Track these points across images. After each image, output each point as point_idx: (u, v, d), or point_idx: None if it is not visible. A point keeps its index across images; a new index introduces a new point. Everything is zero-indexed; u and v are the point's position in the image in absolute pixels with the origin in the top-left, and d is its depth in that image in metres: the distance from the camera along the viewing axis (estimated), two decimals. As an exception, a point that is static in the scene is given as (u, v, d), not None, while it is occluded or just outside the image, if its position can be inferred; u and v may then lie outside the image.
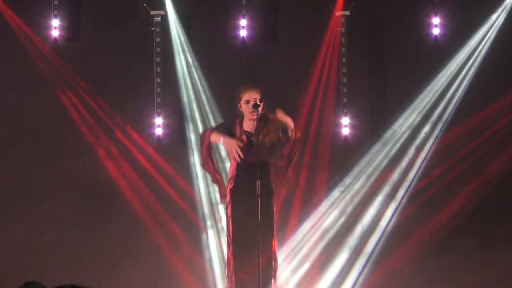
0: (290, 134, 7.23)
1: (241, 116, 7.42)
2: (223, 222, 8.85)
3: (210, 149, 7.44)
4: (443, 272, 9.00)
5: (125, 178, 9.03)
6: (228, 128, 7.32)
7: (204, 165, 7.47)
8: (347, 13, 9.25)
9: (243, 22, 9.23)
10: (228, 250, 7.27)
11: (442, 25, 9.29)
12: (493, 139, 9.27)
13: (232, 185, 7.28)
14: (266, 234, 7.13)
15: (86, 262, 8.86)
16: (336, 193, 9.19)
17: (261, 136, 7.17)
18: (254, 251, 6.95)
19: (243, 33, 9.24)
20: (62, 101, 9.04)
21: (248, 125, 7.33)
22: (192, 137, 9.15)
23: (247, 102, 7.27)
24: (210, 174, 7.50)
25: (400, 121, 9.30)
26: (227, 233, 7.32)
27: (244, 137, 7.29)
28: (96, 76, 9.12)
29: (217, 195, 7.67)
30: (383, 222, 9.15)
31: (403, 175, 9.23)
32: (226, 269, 7.32)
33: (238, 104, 7.36)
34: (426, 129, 9.30)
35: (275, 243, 7.31)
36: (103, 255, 8.86)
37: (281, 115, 7.23)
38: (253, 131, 7.24)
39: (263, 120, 7.24)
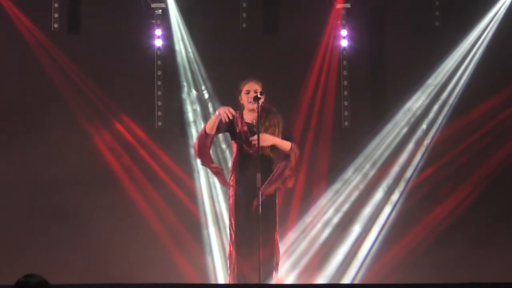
0: (291, 161, 7.26)
1: (241, 109, 7.45)
2: (224, 214, 8.90)
3: (205, 139, 7.36)
4: (444, 264, 9.01)
5: (124, 170, 9.03)
6: (229, 122, 7.32)
7: (199, 154, 7.39)
8: (348, 5, 9.24)
9: (244, 14, 9.22)
10: (230, 242, 7.29)
11: (443, 17, 9.28)
12: (492, 132, 9.28)
13: (234, 177, 7.30)
14: (268, 226, 7.16)
15: (85, 254, 8.87)
16: (337, 185, 9.19)
17: (262, 129, 7.21)
18: (256, 243, 6.97)
19: (243, 25, 9.23)
20: (62, 93, 9.04)
21: (249, 117, 7.35)
22: (193, 130, 9.15)
23: (248, 92, 7.32)
24: (205, 162, 7.45)
25: (400, 114, 9.31)
26: (229, 225, 7.34)
27: (246, 128, 7.31)
28: (96, 69, 9.11)
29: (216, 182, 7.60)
30: (384, 215, 9.16)
31: (404, 168, 9.24)
32: (228, 261, 7.33)
33: (239, 96, 7.41)
34: (426, 122, 9.33)
35: (277, 235, 7.33)
36: (102, 248, 8.88)
37: (278, 142, 7.25)
38: (254, 123, 7.26)
39: (265, 113, 7.28)
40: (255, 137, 7.13)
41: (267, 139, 7.16)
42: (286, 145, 7.26)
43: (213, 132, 7.26)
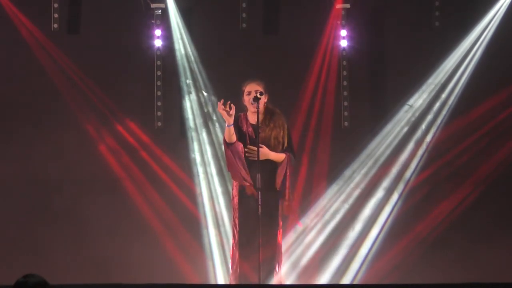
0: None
1: (244, 110, 7.46)
2: (224, 214, 8.90)
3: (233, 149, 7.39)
4: (444, 264, 9.01)
5: (124, 170, 9.03)
6: (234, 124, 7.33)
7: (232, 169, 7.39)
8: (348, 6, 9.24)
9: (244, 14, 9.22)
10: (234, 242, 7.30)
11: (443, 17, 9.28)
12: (492, 132, 9.28)
13: (238, 177, 7.33)
14: (271, 226, 7.17)
15: (85, 254, 8.87)
16: (336, 186, 9.19)
17: (268, 130, 7.24)
18: (258, 243, 6.99)
19: (243, 25, 9.23)
20: (62, 93, 9.04)
21: (253, 118, 7.35)
22: (192, 130, 9.15)
23: (249, 93, 7.33)
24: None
25: (400, 113, 9.32)
26: (233, 225, 7.35)
27: (251, 129, 7.33)
28: (96, 69, 9.11)
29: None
30: (384, 215, 9.16)
31: (403, 168, 9.24)
32: (231, 261, 7.34)
33: (242, 98, 7.41)
34: (426, 122, 9.32)
35: (280, 235, 7.34)
36: (102, 248, 8.87)
37: (272, 156, 7.27)
38: (259, 124, 7.27)
39: (269, 114, 7.31)
40: (250, 148, 7.15)
41: (262, 153, 7.15)
42: (280, 157, 7.28)
43: (234, 139, 7.26)
